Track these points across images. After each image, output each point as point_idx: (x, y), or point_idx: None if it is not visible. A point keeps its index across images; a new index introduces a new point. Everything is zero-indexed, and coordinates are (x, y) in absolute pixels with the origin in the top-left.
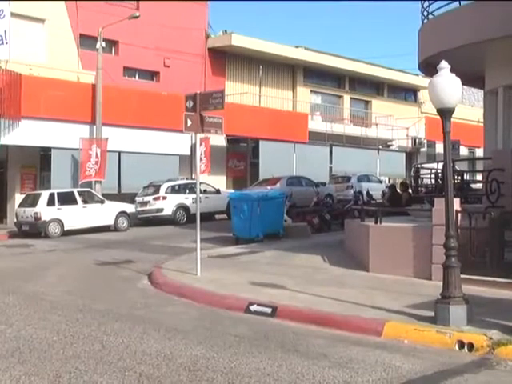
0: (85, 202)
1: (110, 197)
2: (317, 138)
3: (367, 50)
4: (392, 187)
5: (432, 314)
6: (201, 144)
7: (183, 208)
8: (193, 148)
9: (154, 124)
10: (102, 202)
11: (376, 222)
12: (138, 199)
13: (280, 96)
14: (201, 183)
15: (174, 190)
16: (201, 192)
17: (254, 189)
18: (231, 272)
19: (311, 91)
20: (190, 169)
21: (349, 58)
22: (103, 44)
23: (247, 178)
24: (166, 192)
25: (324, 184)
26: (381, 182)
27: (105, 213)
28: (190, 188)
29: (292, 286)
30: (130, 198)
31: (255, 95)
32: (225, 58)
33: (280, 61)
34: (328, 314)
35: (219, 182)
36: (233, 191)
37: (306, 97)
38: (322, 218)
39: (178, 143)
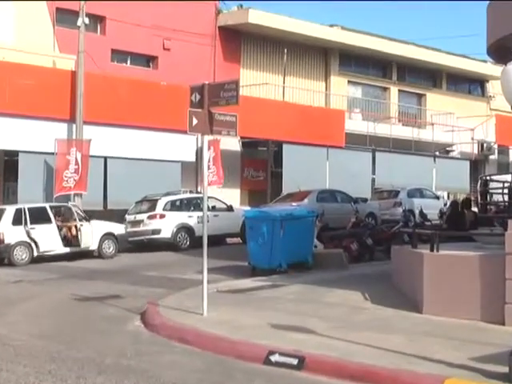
0: (61, 220)
1: (93, 214)
2: (356, 141)
3: (420, 29)
4: (453, 205)
5: (505, 369)
6: (209, 148)
7: (186, 229)
8: (199, 153)
9: (149, 122)
10: (83, 220)
11: (432, 250)
12: (128, 218)
13: (309, 88)
14: (209, 198)
15: (175, 206)
16: (209, 209)
17: (275, 205)
18: (246, 311)
19: (349, 82)
20: (196, 179)
21: (397, 40)
22: (86, 20)
23: (267, 192)
24: (164, 209)
25: (365, 200)
26: (438, 197)
27: (87, 234)
28: (194, 204)
29: (324, 331)
30: (118, 215)
31: (278, 87)
32: (240, 40)
33: (310, 43)
34: (370, 367)
35: (232, 196)
36: (249, 208)
37: (342, 89)
38: (362, 244)
39: (181, 147)
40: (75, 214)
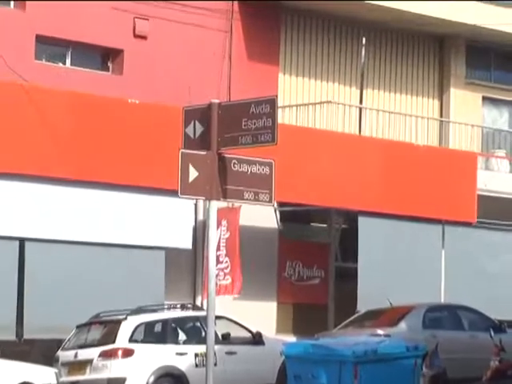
0: None
1: None
2: (500, 212)
3: None
4: None
5: None
6: (219, 224)
7: (173, 379)
8: (200, 233)
9: (106, 175)
10: None
11: None
12: (63, 356)
13: (409, 110)
14: (218, 318)
15: (153, 333)
16: (218, 340)
17: (344, 335)
18: None
19: (485, 99)
20: (193, 282)
21: None
22: None
23: (328, 308)
24: (132, 339)
25: None
26: None
27: None
28: (189, 330)
29: None
30: (43, 351)
31: (350, 108)
32: (278, 21)
33: (409, 27)
34: None
35: (261, 315)
36: (293, 340)
37: (472, 112)
38: None
39: (166, 221)
40: None
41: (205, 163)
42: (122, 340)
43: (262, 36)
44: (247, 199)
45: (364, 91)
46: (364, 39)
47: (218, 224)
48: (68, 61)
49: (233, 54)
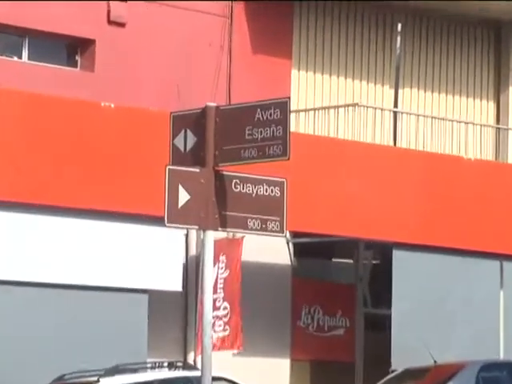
0: None
1: None
2: None
3: None
4: None
5: None
6: (216, 260)
7: None
8: (191, 271)
9: (73, 199)
10: None
11: None
12: None
13: (457, 114)
14: (215, 380)
15: None
16: None
17: None
18: None
19: None
20: (183, 334)
21: None
22: None
23: (355, 366)
24: None
25: None
26: None
27: None
28: None
29: None
30: None
31: (383, 112)
32: (290, 4)
33: (458, 11)
34: None
35: (270, 375)
36: None
37: None
38: None
39: (150, 258)
40: None
41: (198, 183)
42: None
43: (271, 23)
44: (252, 229)
45: (400, 91)
46: (400, 26)
47: (215, 260)
48: (25, 54)
49: (233, 45)
